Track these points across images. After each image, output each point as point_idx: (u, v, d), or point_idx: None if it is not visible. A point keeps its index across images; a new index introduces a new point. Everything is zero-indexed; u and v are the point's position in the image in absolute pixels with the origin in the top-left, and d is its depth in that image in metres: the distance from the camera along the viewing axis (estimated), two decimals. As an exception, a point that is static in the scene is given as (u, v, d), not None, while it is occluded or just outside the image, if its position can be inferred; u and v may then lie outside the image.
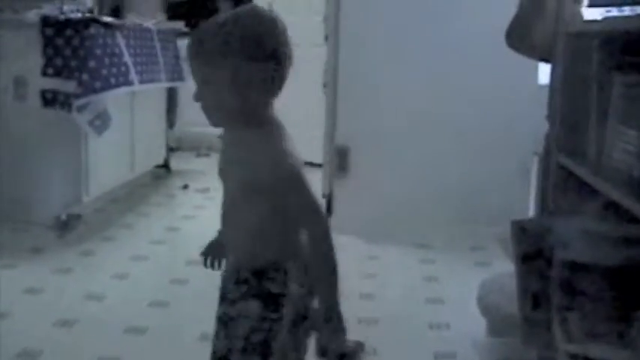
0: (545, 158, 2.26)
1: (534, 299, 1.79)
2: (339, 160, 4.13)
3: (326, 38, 4.70)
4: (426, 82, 4.01)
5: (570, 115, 2.02)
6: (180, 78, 5.62)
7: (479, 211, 4.03)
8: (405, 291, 3.36)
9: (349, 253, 3.86)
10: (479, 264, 3.70)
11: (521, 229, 1.81)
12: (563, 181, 2.05)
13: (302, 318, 1.68)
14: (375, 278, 3.52)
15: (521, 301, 1.83)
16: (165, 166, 5.86)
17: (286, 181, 1.54)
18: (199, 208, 4.77)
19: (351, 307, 3.07)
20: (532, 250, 1.78)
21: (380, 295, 3.28)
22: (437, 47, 3.99)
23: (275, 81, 1.56)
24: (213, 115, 1.58)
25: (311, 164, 5.83)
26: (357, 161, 4.10)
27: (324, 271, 1.62)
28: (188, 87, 5.63)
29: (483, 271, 3.42)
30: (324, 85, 4.67)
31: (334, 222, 4.16)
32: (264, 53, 1.51)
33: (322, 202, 1.64)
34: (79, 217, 4.08)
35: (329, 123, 4.32)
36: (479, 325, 2.73)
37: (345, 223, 4.09)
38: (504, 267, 3.57)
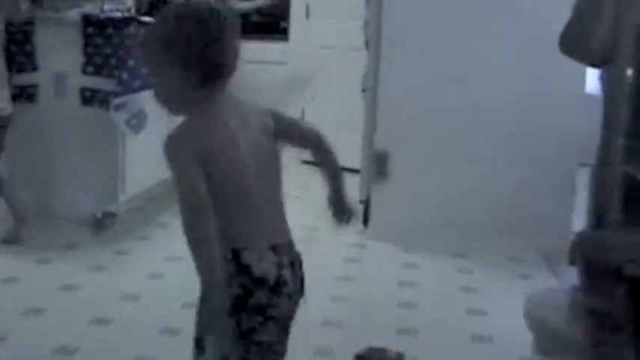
0: (600, 169, 2.19)
1: (600, 318, 1.71)
2: (378, 165, 4.06)
3: (366, 43, 4.66)
4: (468, 88, 3.94)
5: (636, 123, 1.94)
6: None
7: (519, 222, 3.95)
8: (444, 301, 3.30)
9: (386, 260, 3.83)
10: (519, 276, 3.63)
11: (586, 243, 1.74)
12: (624, 193, 1.97)
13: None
14: (413, 287, 3.45)
15: (586, 319, 1.75)
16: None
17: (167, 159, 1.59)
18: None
19: (389, 315, 3.06)
20: (598, 265, 1.71)
21: (419, 305, 3.22)
22: (480, 53, 3.92)
23: (203, 75, 1.59)
24: (158, 103, 1.68)
25: (348, 170, 5.81)
26: (397, 167, 4.03)
27: (192, 249, 1.58)
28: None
29: (525, 284, 3.36)
30: (363, 90, 4.63)
31: (371, 229, 4.14)
32: (182, 51, 1.58)
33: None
34: (114, 215, 4.07)
35: (368, 128, 4.27)
36: (524, 339, 2.64)
37: (382, 231, 4.06)
38: (547, 280, 3.53)
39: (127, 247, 3.77)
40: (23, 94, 4.18)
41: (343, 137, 5.91)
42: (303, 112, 6.28)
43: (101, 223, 4.03)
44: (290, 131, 1.80)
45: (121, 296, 3.06)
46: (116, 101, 3.94)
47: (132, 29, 4.03)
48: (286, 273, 1.64)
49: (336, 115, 5.96)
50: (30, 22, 4.12)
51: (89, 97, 4.07)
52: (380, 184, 4.08)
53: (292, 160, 6.16)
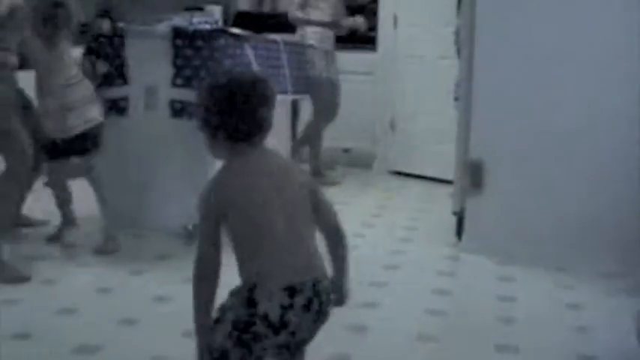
0: None
1: None
2: (472, 175, 3.94)
3: (457, 51, 4.56)
4: (566, 96, 3.78)
5: None
6: (306, 90, 5.59)
7: (621, 236, 3.75)
8: (545, 317, 3.16)
9: (481, 274, 3.71)
10: (624, 291, 3.44)
11: None
12: None
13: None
14: (510, 302, 3.32)
15: None
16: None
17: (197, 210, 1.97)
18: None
19: (486, 330, 2.95)
20: None
21: (518, 320, 3.09)
22: (580, 58, 3.75)
23: (229, 136, 1.93)
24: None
25: (440, 181, 5.73)
26: (491, 177, 3.90)
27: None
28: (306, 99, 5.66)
29: (631, 301, 3.18)
30: (456, 99, 4.53)
31: (465, 241, 4.03)
32: (214, 117, 1.93)
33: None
34: (206, 227, 4.05)
35: (461, 137, 4.15)
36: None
37: (476, 243, 3.95)
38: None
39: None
40: (114, 108, 4.23)
41: (434, 147, 5.88)
42: (392, 122, 6.22)
43: (192, 235, 4.03)
44: (315, 208, 1.99)
45: (212, 308, 3.03)
46: (206, 113, 3.93)
47: (221, 41, 4.03)
48: (291, 315, 1.82)
49: (427, 125, 5.87)
50: (120, 36, 4.17)
51: (179, 110, 4.08)
52: (474, 195, 3.96)
53: (380, 171, 6.12)
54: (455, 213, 4.21)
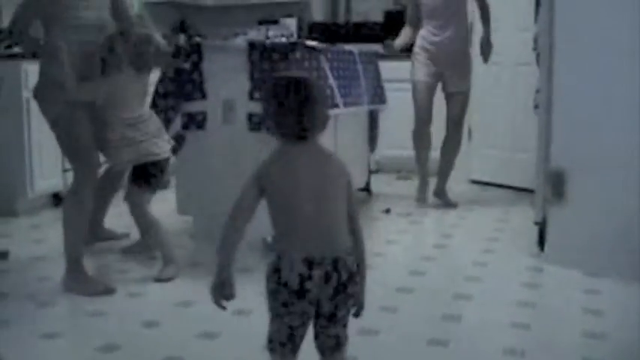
0: None
1: None
2: (554, 185, 3.86)
3: (537, 57, 4.49)
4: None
5: None
6: (382, 100, 5.58)
7: None
8: (635, 332, 3.05)
9: (567, 286, 3.63)
10: None
11: None
12: None
13: None
14: (598, 315, 3.22)
15: None
16: (367, 189, 5.81)
17: None
18: (403, 233, 4.65)
19: (574, 345, 2.88)
20: None
21: (606, 335, 2.99)
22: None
23: (281, 127, 2.16)
24: None
25: (521, 190, 5.65)
26: (575, 186, 3.80)
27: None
28: (388, 109, 5.62)
29: None
30: (536, 107, 4.45)
31: (548, 252, 3.95)
32: (270, 113, 2.19)
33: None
34: (284, 240, 4.07)
35: (542, 146, 4.07)
36: None
37: (560, 254, 3.87)
38: None
39: (297, 271, 3.75)
40: (193, 122, 4.28)
41: (514, 155, 5.79)
42: (470, 130, 6.15)
43: (271, 248, 4.04)
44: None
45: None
46: (283, 126, 3.95)
47: (296, 54, 4.05)
48: (310, 285, 2.05)
49: (507, 133, 5.79)
50: (197, 51, 4.22)
51: (257, 123, 4.11)
52: (557, 205, 3.87)
53: (459, 180, 6.07)
54: (536, 223, 4.13)
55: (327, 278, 2.07)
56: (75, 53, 3.50)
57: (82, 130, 3.55)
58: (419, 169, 5.52)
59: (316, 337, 2.21)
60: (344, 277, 2.09)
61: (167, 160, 3.82)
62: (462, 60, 5.33)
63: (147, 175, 3.74)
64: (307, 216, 2.11)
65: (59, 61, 3.47)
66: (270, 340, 2.22)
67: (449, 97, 5.39)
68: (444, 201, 5.43)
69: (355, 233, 2.20)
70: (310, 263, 2.06)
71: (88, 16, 3.55)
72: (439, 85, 5.39)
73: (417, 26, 5.43)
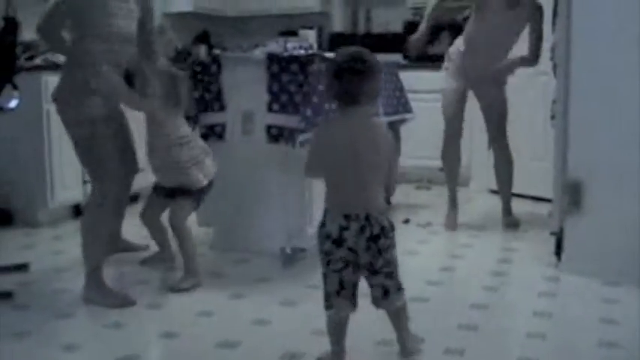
0: None
1: None
2: (571, 195, 3.86)
3: (554, 67, 4.49)
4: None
5: None
6: (407, 110, 5.59)
7: None
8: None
9: (584, 295, 3.62)
10: None
11: None
12: None
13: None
14: (615, 325, 3.22)
15: None
16: (386, 199, 5.81)
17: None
18: (422, 243, 4.66)
19: (590, 355, 2.89)
20: None
21: (623, 345, 2.98)
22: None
23: (334, 100, 2.62)
24: None
25: (539, 199, 5.64)
26: (592, 196, 3.80)
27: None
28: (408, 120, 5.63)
29: None
30: (552, 117, 4.45)
31: (565, 261, 3.95)
32: (327, 85, 2.66)
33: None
34: (304, 249, 4.10)
35: (559, 156, 4.07)
36: None
37: (577, 264, 3.87)
38: None
39: (317, 281, 3.72)
40: (212, 133, 4.32)
41: (532, 165, 5.79)
42: (488, 140, 6.13)
43: (291, 258, 4.08)
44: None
45: (312, 331, 3.05)
46: (302, 138, 3.98)
47: (315, 66, 4.08)
48: (347, 234, 2.52)
49: (524, 143, 5.78)
50: (216, 63, 4.26)
51: (275, 135, 4.14)
52: (574, 215, 3.87)
53: (480, 190, 6.06)
54: (553, 233, 4.13)
55: (361, 230, 2.52)
56: (103, 61, 3.54)
57: (103, 140, 3.56)
58: (449, 190, 5.24)
59: (371, 293, 2.67)
60: (376, 230, 2.54)
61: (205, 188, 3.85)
62: (498, 77, 5.03)
63: (194, 191, 3.78)
64: (348, 178, 2.53)
65: (95, 68, 3.50)
66: (327, 298, 2.63)
67: (484, 109, 5.14)
68: (508, 221, 5.12)
69: (391, 180, 2.67)
70: (348, 217, 2.52)
71: (120, 24, 3.57)
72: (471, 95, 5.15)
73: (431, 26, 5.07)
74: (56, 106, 3.63)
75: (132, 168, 3.80)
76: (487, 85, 5.02)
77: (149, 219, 4.02)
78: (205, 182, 3.78)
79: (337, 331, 2.69)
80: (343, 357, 2.73)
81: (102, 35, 3.52)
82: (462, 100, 5.05)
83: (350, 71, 2.50)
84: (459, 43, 5.04)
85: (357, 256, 2.56)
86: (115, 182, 3.62)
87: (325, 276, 2.62)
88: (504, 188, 5.21)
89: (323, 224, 2.58)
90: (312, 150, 2.66)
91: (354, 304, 2.65)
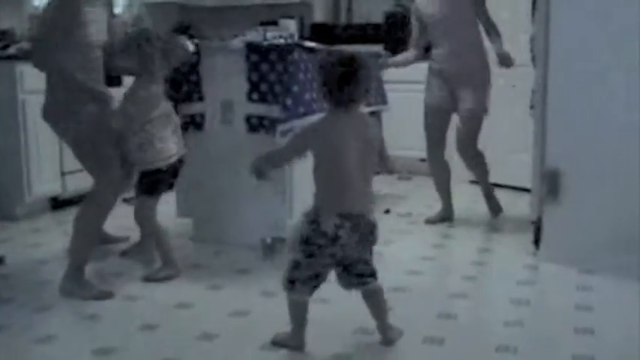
0: None
1: None
2: (550, 184, 3.87)
3: (533, 59, 4.50)
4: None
5: None
6: (384, 101, 5.59)
7: None
8: (625, 328, 3.08)
9: (561, 283, 3.65)
10: None
11: None
12: None
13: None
14: (590, 312, 3.25)
15: None
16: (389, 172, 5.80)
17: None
18: (402, 233, 4.67)
19: (566, 341, 2.91)
20: None
21: (598, 331, 3.01)
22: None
23: (328, 99, 2.66)
24: None
25: (519, 189, 5.65)
26: (570, 185, 3.82)
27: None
28: (390, 110, 5.63)
29: None
30: (531, 107, 4.46)
31: (544, 250, 3.97)
32: (322, 85, 2.66)
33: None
34: (283, 240, 4.09)
35: (537, 146, 4.09)
36: None
37: (555, 252, 3.89)
38: None
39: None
40: (191, 123, 4.29)
41: (512, 156, 5.80)
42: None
43: (270, 249, 4.07)
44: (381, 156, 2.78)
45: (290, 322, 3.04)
46: (282, 127, 3.96)
47: (295, 55, 4.05)
48: (342, 232, 2.59)
49: (505, 134, 5.79)
50: (195, 52, 4.23)
51: (255, 124, 4.12)
52: (552, 204, 3.89)
53: (459, 180, 6.06)
54: (532, 222, 4.14)
55: (354, 228, 2.61)
56: (80, 72, 3.50)
57: (107, 143, 3.56)
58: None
59: (342, 277, 2.76)
60: (367, 228, 2.65)
61: (182, 162, 3.82)
62: (476, 75, 4.75)
63: (156, 182, 3.73)
64: (347, 176, 2.60)
65: (76, 80, 3.47)
66: (291, 281, 2.70)
67: (460, 117, 4.82)
68: (492, 205, 4.96)
69: (384, 154, 2.80)
70: (342, 216, 2.59)
71: (93, 33, 3.54)
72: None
73: (421, 49, 5.02)
74: (48, 123, 3.61)
75: (129, 168, 3.78)
76: (471, 87, 4.73)
77: (141, 218, 4.02)
78: (174, 159, 3.74)
79: (302, 312, 2.78)
80: (303, 338, 2.81)
81: (81, 47, 3.49)
82: (443, 110, 4.88)
83: (352, 78, 2.58)
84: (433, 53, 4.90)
85: (345, 252, 2.67)
86: (118, 183, 3.61)
87: (299, 263, 2.68)
88: (482, 181, 5.01)
89: (315, 222, 2.61)
90: (298, 140, 2.76)
91: (315, 290, 2.76)
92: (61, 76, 3.49)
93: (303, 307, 2.77)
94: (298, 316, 2.78)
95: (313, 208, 2.65)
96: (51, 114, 3.57)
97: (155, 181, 3.73)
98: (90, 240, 3.58)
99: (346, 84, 2.58)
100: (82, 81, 3.48)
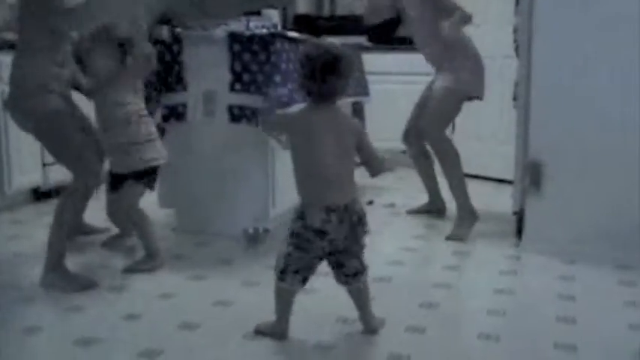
0: None
1: None
2: (532, 176, 3.89)
3: (516, 50, 4.50)
4: (628, 95, 3.72)
5: None
6: (365, 92, 5.58)
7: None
8: (605, 315, 3.12)
9: (543, 273, 3.68)
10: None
11: None
12: None
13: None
14: (571, 300, 3.28)
15: None
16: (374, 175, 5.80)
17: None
18: (385, 224, 4.68)
19: (547, 329, 2.92)
20: None
21: (578, 319, 3.04)
22: (638, 53, 3.68)
23: (306, 92, 2.66)
24: None
25: (502, 181, 5.67)
26: (552, 177, 3.85)
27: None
28: (373, 101, 5.63)
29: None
30: (514, 99, 4.47)
31: (526, 241, 3.99)
32: (301, 77, 2.66)
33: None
34: (266, 231, 4.08)
35: (520, 137, 4.10)
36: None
37: (538, 243, 3.92)
38: None
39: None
40: (173, 114, 4.28)
41: (496, 147, 5.81)
42: (453, 123, 6.15)
43: (253, 239, 4.06)
44: (360, 152, 2.69)
45: (274, 312, 3.03)
46: (265, 117, 3.94)
47: (278, 45, 4.04)
48: (329, 226, 2.58)
49: (489, 125, 5.81)
50: (178, 42, 4.21)
51: (238, 115, 4.11)
52: (535, 196, 3.91)
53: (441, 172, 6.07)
54: (515, 213, 4.16)
55: (341, 220, 2.59)
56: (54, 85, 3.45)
57: (75, 134, 3.50)
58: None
59: (336, 273, 2.77)
60: (354, 219, 2.63)
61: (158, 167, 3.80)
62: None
63: (146, 173, 3.72)
64: (327, 169, 2.58)
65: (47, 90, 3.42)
66: (283, 272, 2.70)
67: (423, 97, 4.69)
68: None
69: (372, 157, 2.72)
70: (329, 209, 2.57)
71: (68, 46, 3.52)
72: None
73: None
74: (11, 115, 3.55)
75: (101, 157, 3.75)
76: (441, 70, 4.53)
77: (112, 215, 4.02)
78: (161, 162, 3.74)
79: (288, 301, 2.79)
80: (286, 327, 2.83)
81: (55, 61, 3.45)
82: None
83: (334, 71, 2.58)
84: None
85: (335, 245, 2.66)
86: (95, 172, 3.57)
87: (289, 255, 2.68)
88: (456, 191, 4.54)
89: (302, 216, 2.62)
90: (281, 122, 2.82)
91: (304, 284, 2.76)
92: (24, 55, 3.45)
93: (291, 296, 2.77)
94: (284, 305, 2.79)
95: (300, 204, 2.65)
96: (10, 105, 3.51)
97: (155, 176, 3.76)
98: (65, 232, 3.53)
99: (328, 76, 2.57)
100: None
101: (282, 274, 2.71)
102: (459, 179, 4.47)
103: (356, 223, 2.64)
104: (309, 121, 2.62)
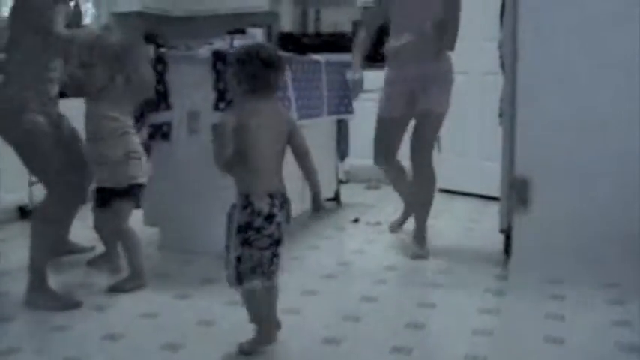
0: None
1: None
2: (519, 193, 3.88)
3: (501, 66, 4.50)
4: (615, 112, 3.72)
5: None
6: (349, 111, 5.57)
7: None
8: (594, 335, 3.08)
9: (530, 292, 3.65)
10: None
11: None
12: None
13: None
14: (560, 320, 3.25)
15: None
16: (336, 199, 5.81)
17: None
18: (370, 243, 4.65)
19: (535, 350, 2.90)
20: None
21: (567, 340, 3.00)
22: (628, 75, 3.69)
23: (246, 88, 2.73)
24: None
25: (488, 198, 5.66)
26: (539, 194, 3.83)
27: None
28: (357, 119, 5.62)
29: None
30: (500, 115, 4.46)
31: (513, 259, 3.97)
32: (238, 75, 2.76)
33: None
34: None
35: (506, 154, 4.09)
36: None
37: (525, 261, 3.90)
38: None
39: (262, 281, 3.74)
40: (158, 133, 4.26)
41: (481, 164, 5.81)
42: (438, 140, 6.15)
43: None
44: (291, 141, 2.80)
45: (252, 322, 3.02)
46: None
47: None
48: (275, 210, 2.69)
49: (474, 142, 5.81)
50: (162, 62, 4.20)
51: (222, 134, 4.08)
52: (521, 213, 3.90)
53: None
54: (502, 231, 4.15)
55: (281, 206, 2.73)
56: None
57: (52, 153, 3.46)
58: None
59: (268, 270, 2.77)
60: (289, 206, 2.80)
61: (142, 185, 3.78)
62: (436, 70, 4.37)
63: (131, 189, 3.70)
64: (266, 160, 2.70)
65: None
66: (238, 277, 2.73)
67: (418, 115, 4.43)
68: (418, 252, 4.36)
69: (305, 159, 2.81)
70: (272, 196, 2.69)
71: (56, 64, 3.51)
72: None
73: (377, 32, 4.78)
74: None
75: (84, 175, 3.70)
76: (429, 88, 4.36)
77: (99, 229, 3.98)
78: (144, 179, 3.72)
79: (260, 301, 2.83)
80: (271, 330, 2.88)
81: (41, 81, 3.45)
82: (401, 123, 4.60)
83: (274, 66, 2.71)
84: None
85: (280, 232, 2.74)
86: (67, 188, 3.53)
87: (239, 258, 2.72)
88: (421, 212, 4.50)
89: (248, 205, 2.67)
90: (226, 142, 2.66)
91: (267, 276, 2.79)
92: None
93: (261, 295, 2.80)
94: (258, 307, 2.83)
95: (241, 196, 2.70)
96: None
97: (140, 194, 3.74)
98: (45, 248, 3.50)
99: (270, 70, 2.69)
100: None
101: (238, 280, 2.74)
102: (430, 203, 4.48)
103: (288, 210, 2.79)
104: (256, 117, 2.69)
